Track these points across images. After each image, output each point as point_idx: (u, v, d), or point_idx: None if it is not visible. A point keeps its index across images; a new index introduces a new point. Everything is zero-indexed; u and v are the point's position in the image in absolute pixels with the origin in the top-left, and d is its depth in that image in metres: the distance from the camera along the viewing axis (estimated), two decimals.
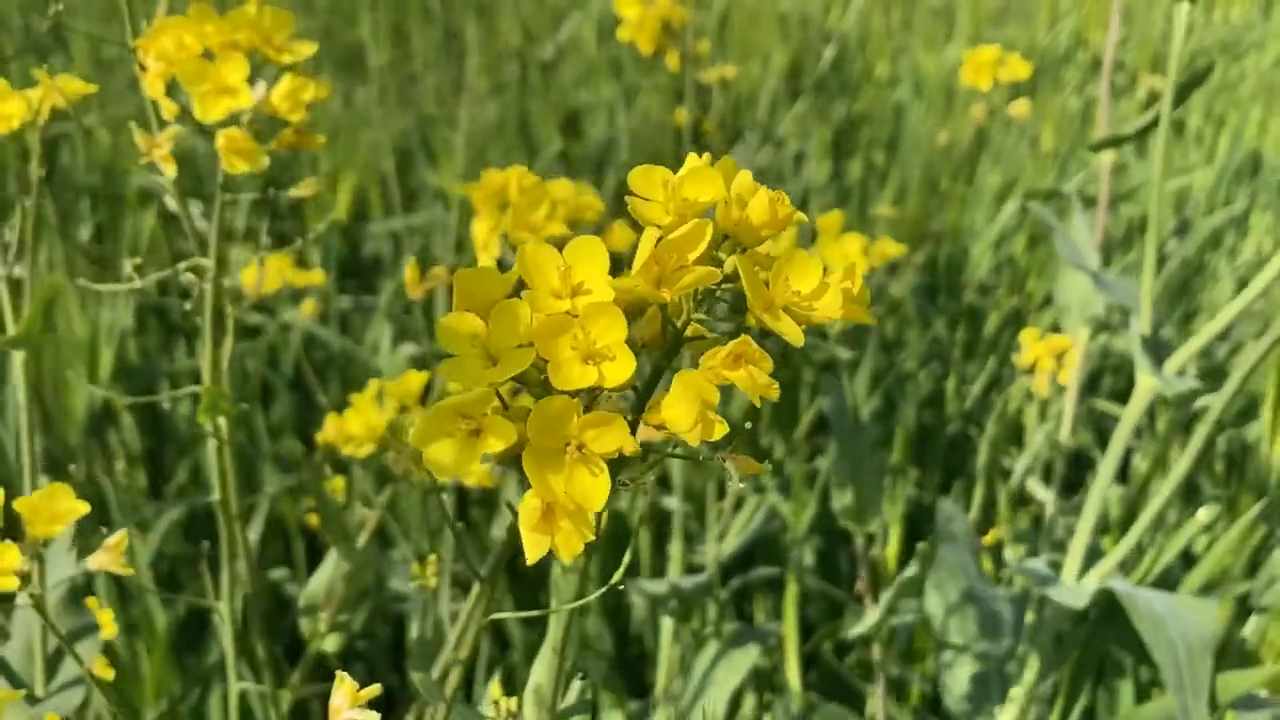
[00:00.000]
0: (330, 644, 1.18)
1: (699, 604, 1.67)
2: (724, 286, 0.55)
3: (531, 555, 0.51)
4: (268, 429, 1.96)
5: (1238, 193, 2.76)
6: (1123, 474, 1.85)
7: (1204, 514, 1.16)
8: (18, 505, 0.79)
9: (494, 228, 1.07)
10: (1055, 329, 1.92)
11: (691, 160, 0.57)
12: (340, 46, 3.64)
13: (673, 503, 1.67)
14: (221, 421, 0.98)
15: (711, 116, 2.99)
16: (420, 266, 2.41)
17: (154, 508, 1.70)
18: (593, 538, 0.52)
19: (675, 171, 0.55)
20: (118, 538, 0.86)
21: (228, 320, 0.95)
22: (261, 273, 1.20)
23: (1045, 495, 1.51)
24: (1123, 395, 2.04)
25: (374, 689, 0.63)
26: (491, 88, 3.42)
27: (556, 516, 0.51)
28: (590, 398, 0.53)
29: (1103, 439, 1.91)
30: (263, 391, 2.01)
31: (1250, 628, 1.29)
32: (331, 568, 1.21)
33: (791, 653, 1.48)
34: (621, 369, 0.51)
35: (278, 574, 1.69)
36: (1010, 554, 1.48)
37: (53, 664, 0.95)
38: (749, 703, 1.57)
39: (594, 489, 0.51)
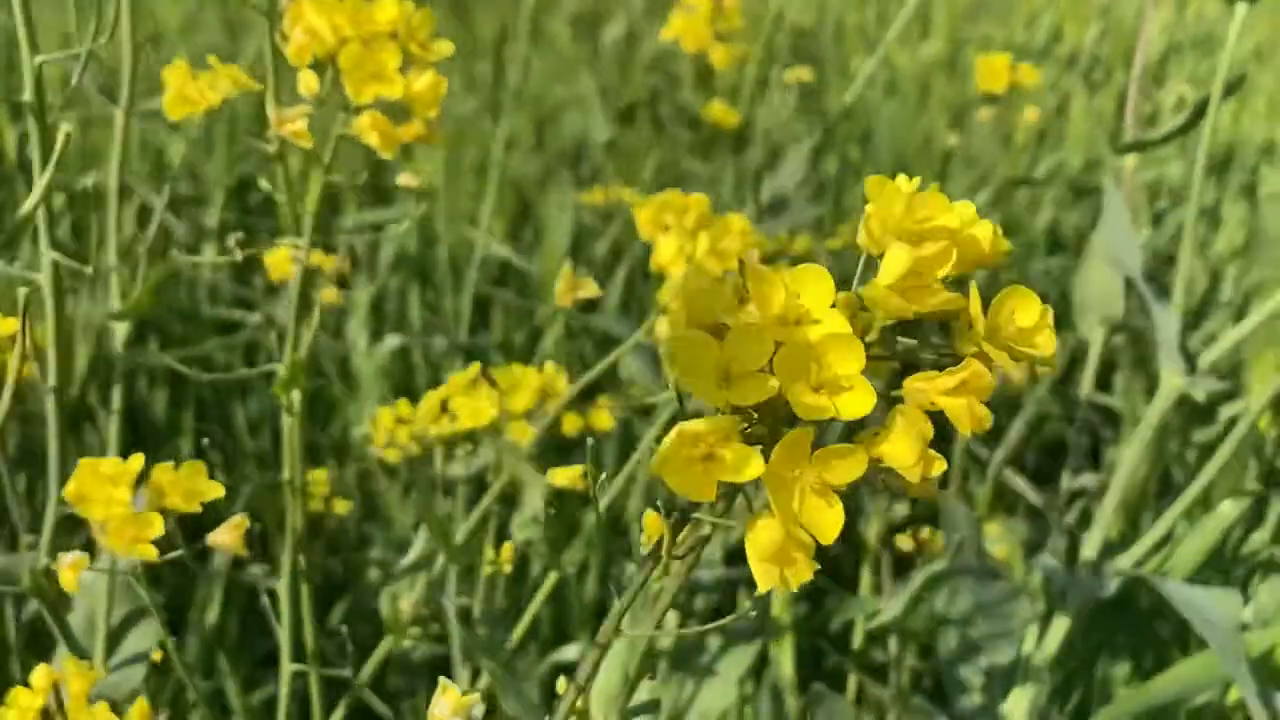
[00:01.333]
0: (410, 641, 1.18)
1: (701, 596, 1.66)
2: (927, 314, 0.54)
3: (763, 585, 0.51)
4: (247, 424, 1.94)
5: (1209, 184, 2.78)
6: (1095, 463, 1.86)
7: (1228, 507, 1.16)
8: (157, 474, 0.82)
9: (680, 249, 1.09)
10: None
11: (904, 181, 0.56)
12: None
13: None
14: (295, 396, 1.00)
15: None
16: (395, 262, 2.38)
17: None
18: (819, 568, 0.52)
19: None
20: (240, 518, 0.87)
21: (312, 297, 1.00)
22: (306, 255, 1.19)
23: (1022, 486, 1.51)
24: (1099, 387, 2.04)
25: (475, 696, 0.61)
26: (465, 82, 3.39)
27: (789, 548, 0.51)
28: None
29: (1080, 430, 1.91)
30: (243, 387, 1.99)
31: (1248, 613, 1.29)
32: (421, 550, 1.19)
33: (786, 643, 1.47)
34: (860, 401, 0.50)
35: (256, 570, 1.66)
36: (993, 545, 1.48)
37: (112, 641, 0.97)
38: (745, 690, 1.56)
39: (829, 519, 0.51)
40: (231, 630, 1.68)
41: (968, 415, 0.51)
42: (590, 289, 1.14)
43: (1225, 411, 1.79)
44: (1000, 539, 1.62)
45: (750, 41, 3.55)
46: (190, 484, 0.82)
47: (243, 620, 1.70)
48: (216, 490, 0.82)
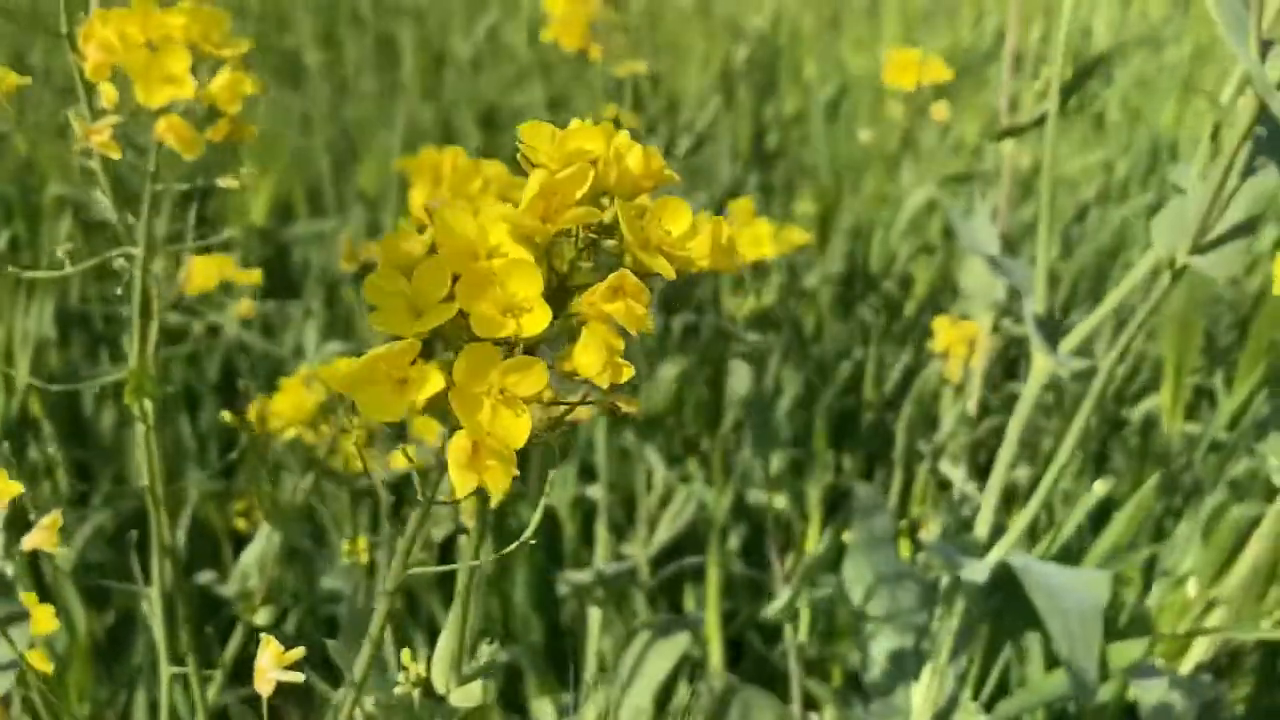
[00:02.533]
0: (262, 617, 1.20)
1: (627, 594, 1.68)
2: (607, 242, 0.59)
3: (461, 491, 0.55)
4: (194, 435, 1.96)
5: (1152, 183, 2.83)
6: (1033, 453, 1.90)
7: (1100, 486, 1.20)
8: None
9: (430, 195, 1.15)
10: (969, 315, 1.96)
11: (575, 123, 0.61)
12: (273, 53, 3.63)
13: (598, 493, 1.69)
14: (147, 405, 1.00)
15: (641, 117, 3.01)
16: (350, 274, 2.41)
17: (78, 515, 1.69)
18: (516, 474, 0.55)
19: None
20: (52, 517, 0.89)
21: (154, 307, 0.98)
22: (189, 269, 1.21)
23: (956, 475, 1.55)
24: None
25: (298, 651, 0.65)
26: (423, 91, 3.42)
27: (483, 456, 0.55)
28: (507, 350, 0.57)
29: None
30: (188, 399, 2.01)
31: (1153, 597, 1.33)
32: (264, 541, 1.22)
33: (714, 637, 1.51)
34: (538, 319, 0.55)
35: (205, 577, 1.69)
36: (926, 534, 1.52)
37: None
38: (680, 691, 1.59)
39: (517, 428, 0.55)
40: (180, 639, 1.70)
41: (628, 317, 0.55)
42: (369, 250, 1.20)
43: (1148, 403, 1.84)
44: (933, 528, 1.66)
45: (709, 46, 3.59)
46: None
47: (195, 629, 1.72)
48: (14, 489, 0.85)
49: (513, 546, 0.61)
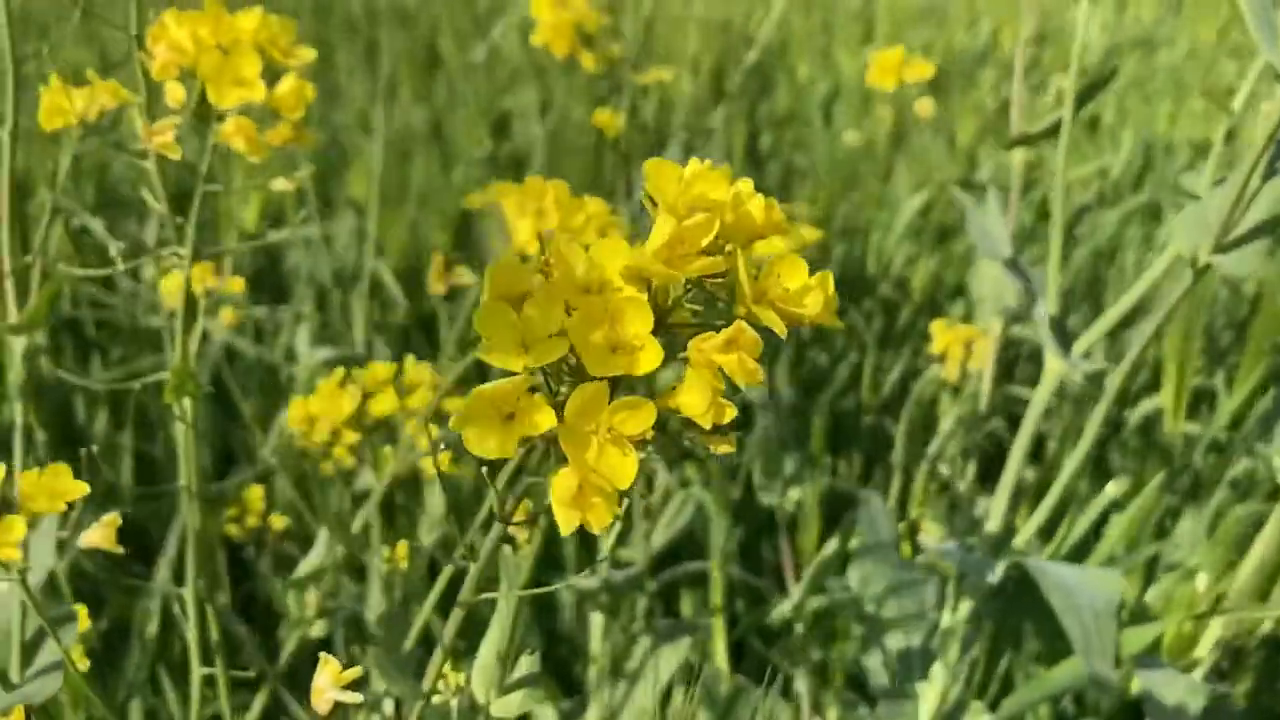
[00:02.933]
0: (318, 629, 1.19)
1: (629, 600, 1.67)
2: (712, 281, 0.59)
3: (565, 528, 0.55)
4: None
5: (1147, 184, 2.84)
6: (1040, 455, 1.89)
7: (1112, 488, 1.20)
8: (22, 480, 0.84)
9: (534, 227, 1.17)
10: (966, 319, 1.96)
11: (695, 163, 0.61)
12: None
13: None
14: (187, 403, 1.00)
15: (636, 120, 3.01)
16: (338, 276, 2.40)
17: (70, 522, 1.67)
18: (620, 512, 0.56)
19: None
20: (112, 516, 0.91)
21: (198, 307, 0.99)
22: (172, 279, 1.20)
23: (956, 478, 1.54)
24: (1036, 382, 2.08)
25: (356, 670, 0.65)
26: (413, 96, 3.41)
27: (588, 494, 0.55)
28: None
29: (1017, 425, 1.95)
30: None
31: (1153, 593, 1.32)
32: (323, 551, 1.21)
33: (719, 640, 1.49)
34: (650, 358, 0.55)
35: (199, 584, 1.67)
36: (926, 536, 1.51)
37: (28, 652, 0.96)
38: (678, 697, 1.58)
39: (624, 467, 0.55)
40: (175, 644, 1.69)
41: (740, 370, 0.55)
42: (465, 278, 1.19)
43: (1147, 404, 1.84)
44: (932, 529, 1.65)
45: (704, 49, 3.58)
46: (54, 485, 0.85)
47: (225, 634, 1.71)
48: (81, 489, 0.85)
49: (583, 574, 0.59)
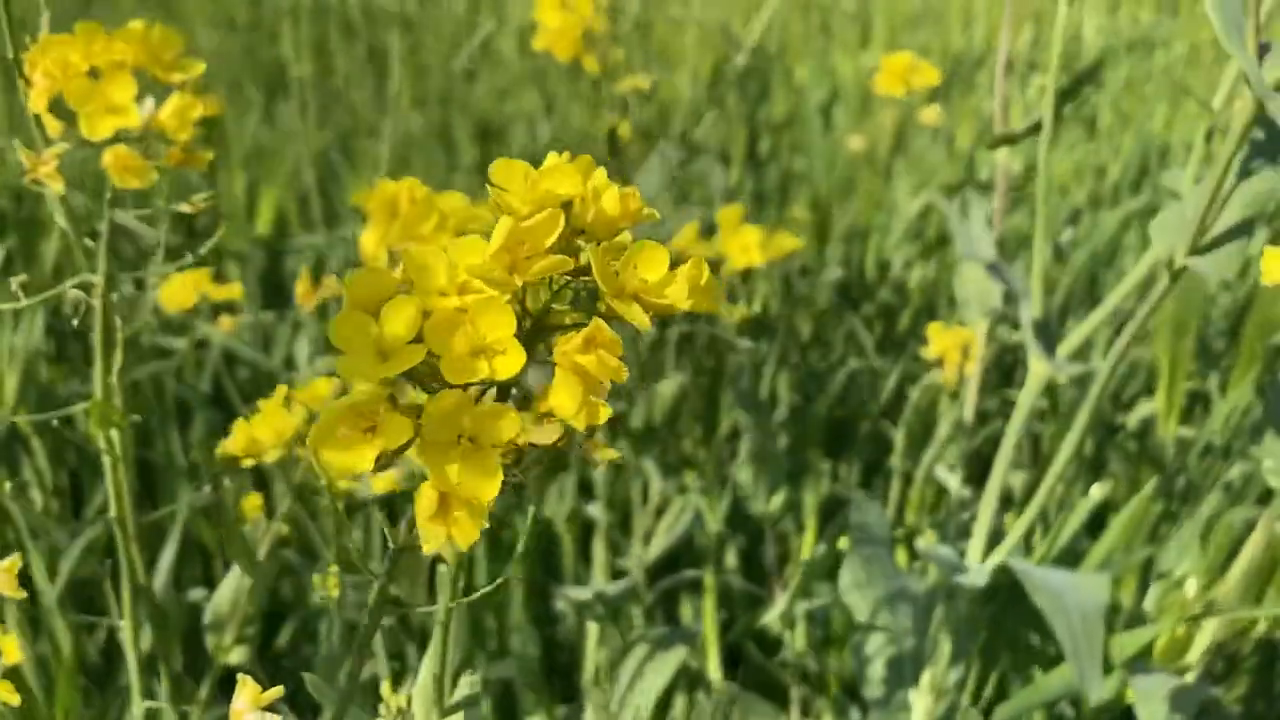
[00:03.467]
0: (236, 656, 1.17)
1: (624, 609, 1.67)
2: (582, 279, 0.57)
3: (429, 545, 0.53)
4: (184, 448, 1.95)
5: (1144, 186, 2.84)
6: (1034, 458, 1.89)
7: (1097, 490, 1.20)
8: None
9: (382, 238, 1.09)
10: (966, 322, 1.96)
11: (552, 158, 0.59)
12: (262, 64, 3.62)
13: (596, 510, 1.68)
14: (114, 435, 0.97)
15: (635, 124, 3.01)
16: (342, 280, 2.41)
17: (69, 531, 1.67)
18: (486, 526, 0.53)
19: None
20: (9, 561, 0.86)
21: (117, 335, 0.94)
22: (166, 287, 1.19)
23: (952, 483, 1.54)
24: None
25: (276, 690, 0.63)
26: (414, 101, 3.41)
27: (452, 508, 0.53)
28: (479, 393, 0.55)
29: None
30: (179, 410, 2.00)
31: (1149, 599, 1.33)
32: (235, 580, 1.20)
33: (712, 649, 1.50)
34: (512, 362, 0.52)
35: (196, 594, 1.68)
36: (923, 542, 1.51)
37: None
38: (679, 703, 1.59)
39: (488, 479, 0.52)
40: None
41: (600, 369, 0.53)
42: (335, 289, 1.16)
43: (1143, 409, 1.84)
44: (929, 535, 1.66)
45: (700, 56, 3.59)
46: None
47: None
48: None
49: (500, 581, 0.59)
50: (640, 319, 0.54)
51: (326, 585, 1.01)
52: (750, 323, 1.58)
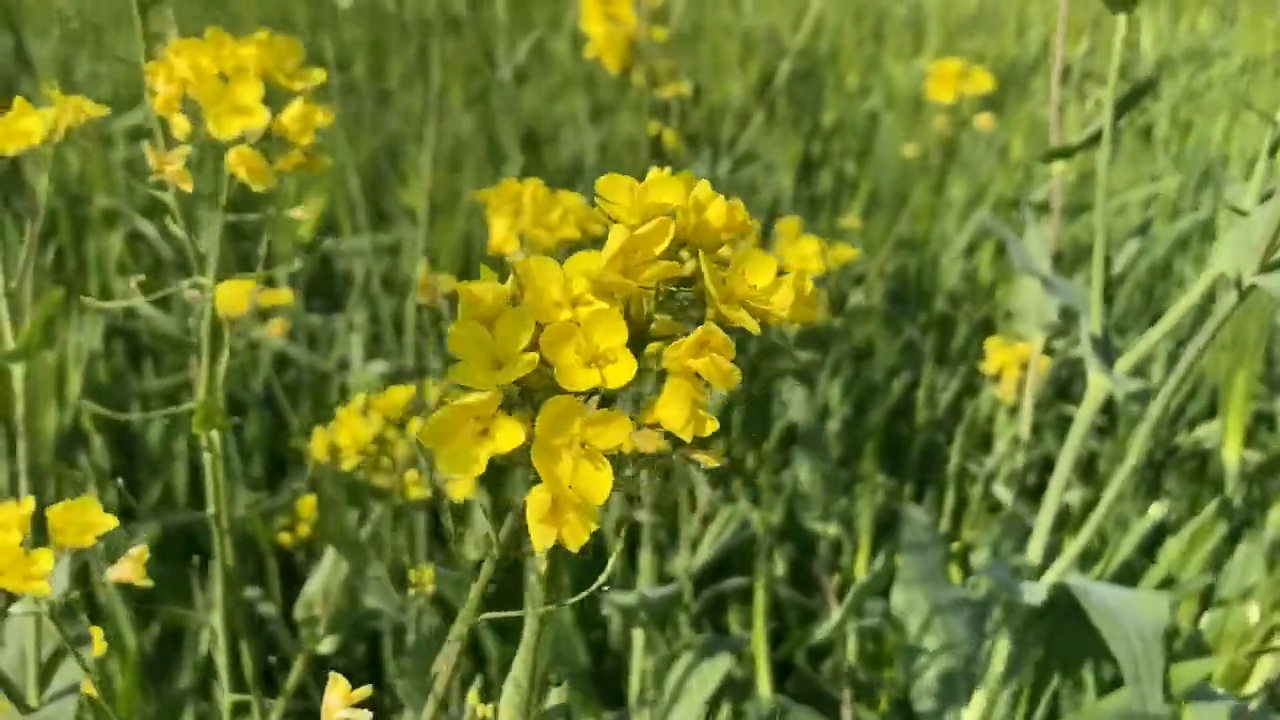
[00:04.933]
0: (328, 645, 1.19)
1: (671, 615, 1.67)
2: (684, 290, 0.59)
3: (539, 545, 0.54)
4: (239, 449, 1.96)
5: (1203, 198, 2.79)
6: (1091, 476, 1.87)
7: (1156, 510, 1.18)
8: (51, 514, 0.83)
9: (512, 227, 1.14)
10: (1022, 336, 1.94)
11: (654, 172, 0.60)
12: (318, 65, 3.64)
13: (642, 515, 1.68)
14: (214, 435, 1.00)
15: (683, 131, 3.01)
16: (390, 283, 2.42)
17: (126, 529, 1.69)
18: (596, 527, 0.55)
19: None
20: (140, 549, 0.88)
21: (224, 336, 0.98)
22: (256, 292, 1.23)
23: (1008, 498, 1.52)
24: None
25: (366, 690, 0.65)
26: (464, 104, 3.43)
27: (563, 510, 0.54)
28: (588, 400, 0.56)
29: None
30: (233, 411, 2.01)
31: (1206, 621, 1.30)
32: (329, 570, 1.22)
33: (761, 658, 1.49)
34: (623, 371, 0.54)
35: (251, 593, 1.69)
36: (977, 557, 1.50)
37: (45, 675, 0.96)
38: (724, 712, 1.58)
39: (598, 482, 0.54)
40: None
41: (714, 372, 0.54)
42: (449, 283, 1.19)
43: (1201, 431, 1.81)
44: (981, 549, 1.64)
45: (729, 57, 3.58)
46: (83, 518, 0.84)
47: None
48: (110, 522, 0.84)
49: (590, 590, 0.60)
50: (749, 323, 0.56)
51: (421, 583, 1.02)
52: (806, 332, 1.57)
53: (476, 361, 0.55)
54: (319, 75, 0.95)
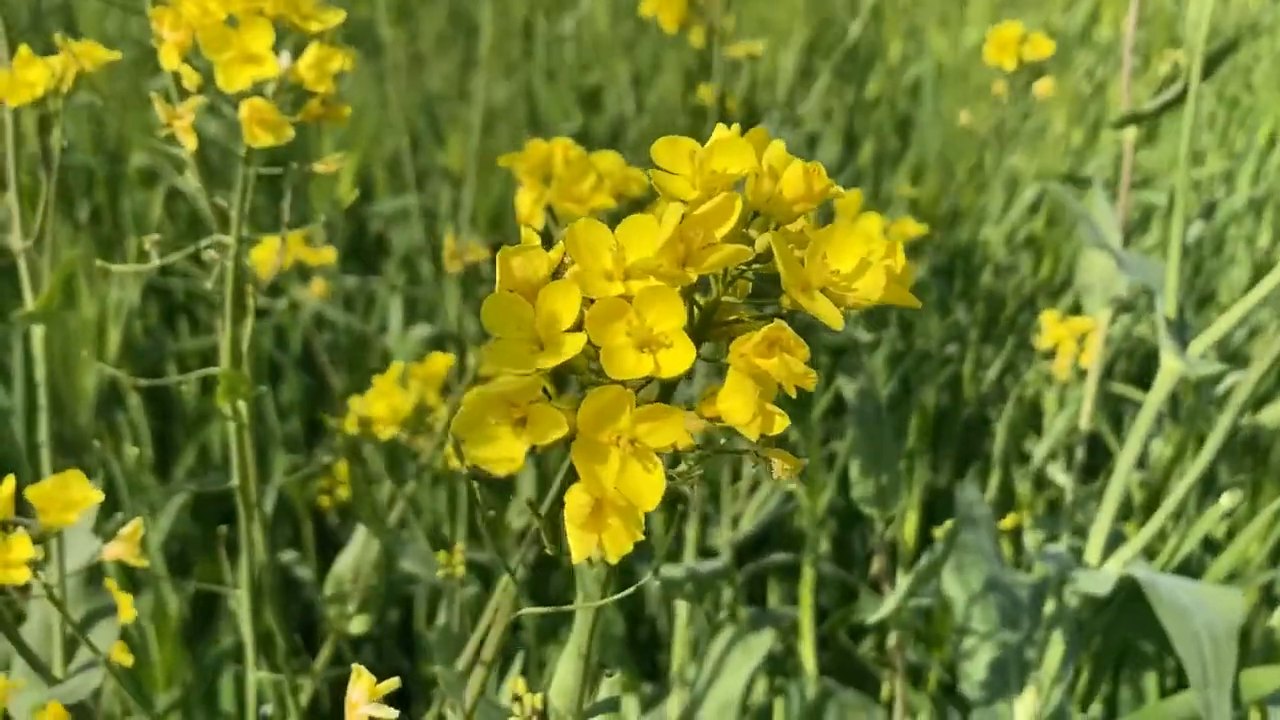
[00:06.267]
0: (358, 626, 1.14)
1: (713, 588, 1.65)
2: (754, 267, 0.52)
3: (578, 554, 0.48)
4: (276, 410, 1.95)
5: (1253, 177, 2.73)
6: (1141, 459, 1.83)
7: (1227, 500, 1.14)
8: (30, 494, 0.77)
9: (538, 199, 1.03)
10: (1073, 311, 1.89)
11: (720, 131, 0.53)
12: (347, 24, 3.61)
13: (686, 488, 1.65)
14: (241, 405, 0.94)
15: (733, 95, 2.96)
16: (428, 246, 2.39)
17: (163, 488, 1.68)
18: (642, 537, 0.49)
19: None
20: (132, 527, 0.84)
21: (248, 300, 0.91)
22: (282, 251, 1.15)
23: (1065, 480, 1.49)
24: (1137, 379, 2.02)
25: (392, 682, 0.61)
26: (501, 67, 3.38)
27: (605, 514, 0.48)
28: (639, 387, 0.50)
29: (1117, 423, 1.89)
30: (271, 372, 2.00)
31: (1278, 618, 1.27)
32: (360, 547, 1.18)
33: (808, 639, 1.47)
34: (680, 358, 0.47)
35: (287, 556, 1.68)
36: (1030, 539, 1.46)
37: (72, 645, 0.93)
38: (760, 686, 1.56)
39: (647, 486, 0.48)
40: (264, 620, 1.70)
41: (784, 374, 0.47)
42: (477, 252, 1.10)
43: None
44: (1031, 531, 1.61)
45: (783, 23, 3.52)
46: (65, 495, 0.78)
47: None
48: (95, 496, 0.78)
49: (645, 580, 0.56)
50: (830, 315, 0.49)
51: (452, 562, 0.98)
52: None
53: (514, 340, 0.48)
54: (337, 16, 0.87)
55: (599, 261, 0.49)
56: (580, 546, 0.48)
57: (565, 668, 0.63)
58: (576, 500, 0.48)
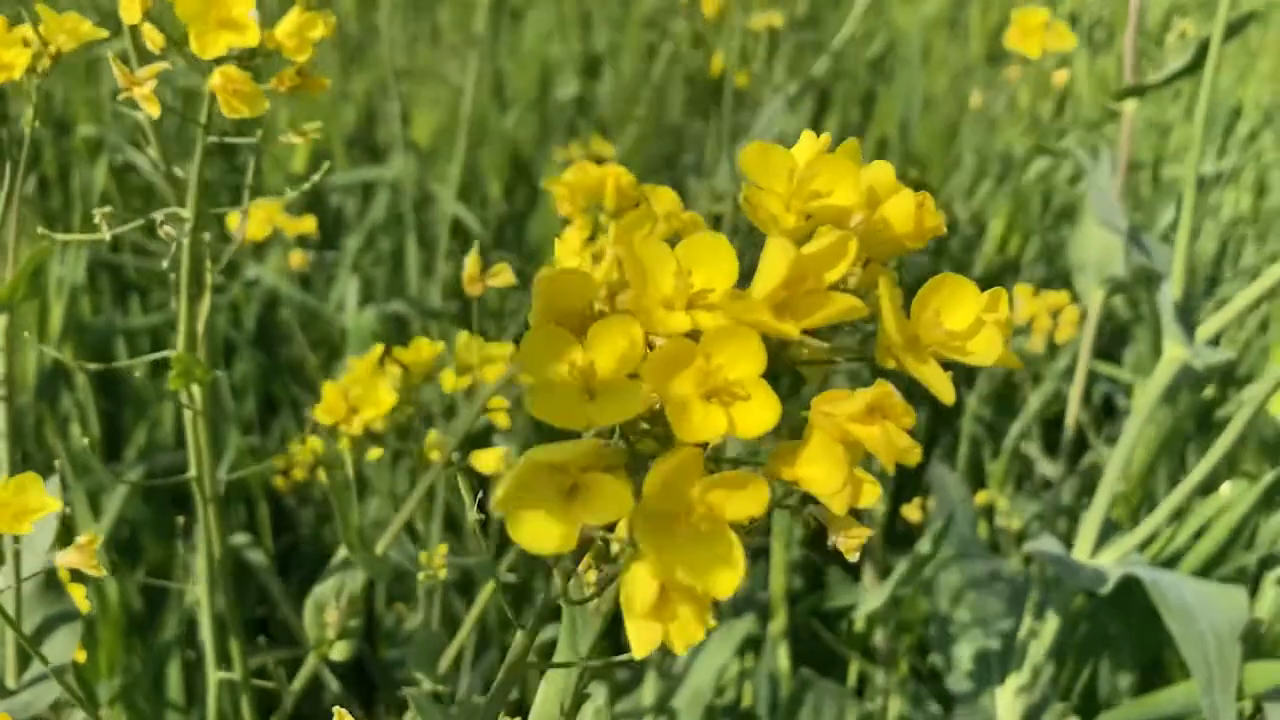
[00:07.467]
0: (339, 652, 1.05)
1: None
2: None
3: (641, 649, 0.40)
4: (230, 388, 1.89)
5: (1218, 147, 2.73)
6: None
7: (1227, 489, 1.11)
8: None
9: (585, 243, 0.86)
10: (1046, 285, 1.87)
11: (809, 139, 0.45)
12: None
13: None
14: (196, 390, 0.88)
15: (690, 70, 2.92)
16: (390, 225, 2.33)
17: (111, 471, 1.62)
18: (714, 625, 0.40)
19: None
20: (89, 536, 0.78)
21: (205, 277, 0.85)
22: (243, 224, 1.06)
23: (1045, 462, 1.46)
24: (1106, 355, 2.00)
25: None
26: (462, 39, 3.31)
27: (673, 601, 0.40)
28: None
29: (1088, 399, 1.86)
30: (224, 350, 1.93)
31: (1267, 605, 1.24)
32: (344, 574, 1.10)
33: (779, 625, 1.43)
34: (760, 415, 0.39)
35: (240, 539, 1.62)
36: (1004, 521, 1.44)
37: (26, 654, 0.87)
38: (732, 668, 1.52)
39: (725, 568, 0.39)
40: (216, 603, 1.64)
41: (885, 447, 0.40)
42: (505, 277, 0.97)
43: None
44: (1008, 515, 1.58)
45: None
46: (21, 502, 0.71)
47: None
48: (53, 505, 0.72)
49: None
50: (942, 386, 0.40)
51: (433, 565, 0.93)
52: None
53: (562, 388, 0.39)
54: None
55: (659, 284, 0.41)
56: (643, 640, 0.40)
57: (546, 689, 0.58)
58: (640, 584, 0.39)
